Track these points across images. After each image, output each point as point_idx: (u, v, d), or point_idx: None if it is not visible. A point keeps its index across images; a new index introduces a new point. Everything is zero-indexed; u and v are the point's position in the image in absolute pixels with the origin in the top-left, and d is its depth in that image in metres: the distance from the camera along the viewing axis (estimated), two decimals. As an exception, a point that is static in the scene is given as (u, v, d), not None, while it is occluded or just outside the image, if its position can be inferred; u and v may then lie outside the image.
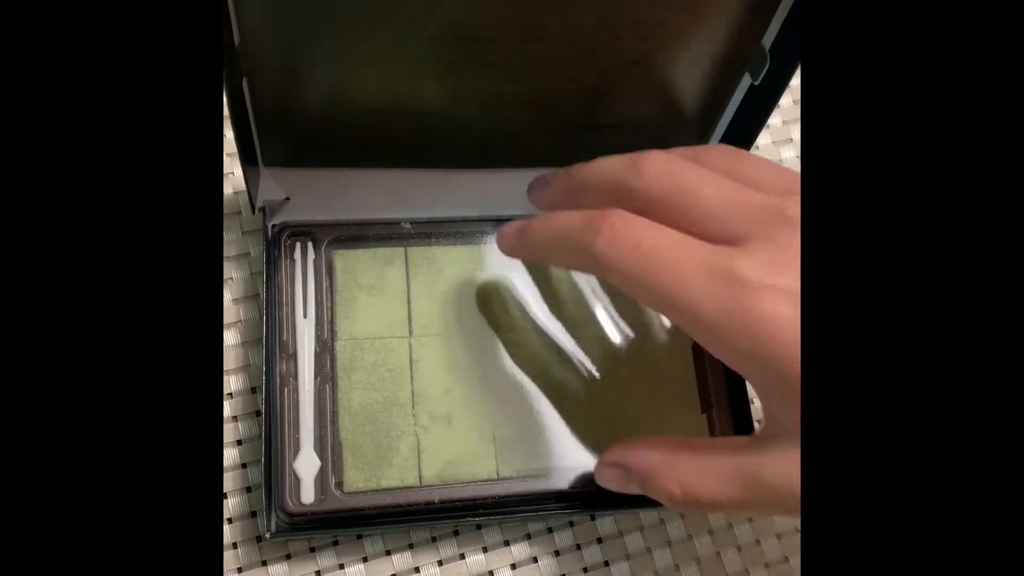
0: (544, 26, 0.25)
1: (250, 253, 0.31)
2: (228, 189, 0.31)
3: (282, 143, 0.29)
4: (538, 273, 0.30)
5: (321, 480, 0.26)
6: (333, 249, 0.29)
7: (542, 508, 0.27)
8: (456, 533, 0.28)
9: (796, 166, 0.36)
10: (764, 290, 0.21)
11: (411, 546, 0.28)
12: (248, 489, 0.28)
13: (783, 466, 0.22)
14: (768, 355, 0.21)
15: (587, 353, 0.29)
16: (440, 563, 0.28)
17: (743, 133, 0.30)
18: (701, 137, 0.31)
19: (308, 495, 0.26)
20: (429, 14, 0.24)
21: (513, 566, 0.28)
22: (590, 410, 0.28)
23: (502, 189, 0.30)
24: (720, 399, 0.29)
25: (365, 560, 0.28)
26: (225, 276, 0.30)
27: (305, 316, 0.28)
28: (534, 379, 0.28)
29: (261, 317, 0.29)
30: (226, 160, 0.32)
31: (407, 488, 0.26)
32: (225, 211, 0.31)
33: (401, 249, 0.29)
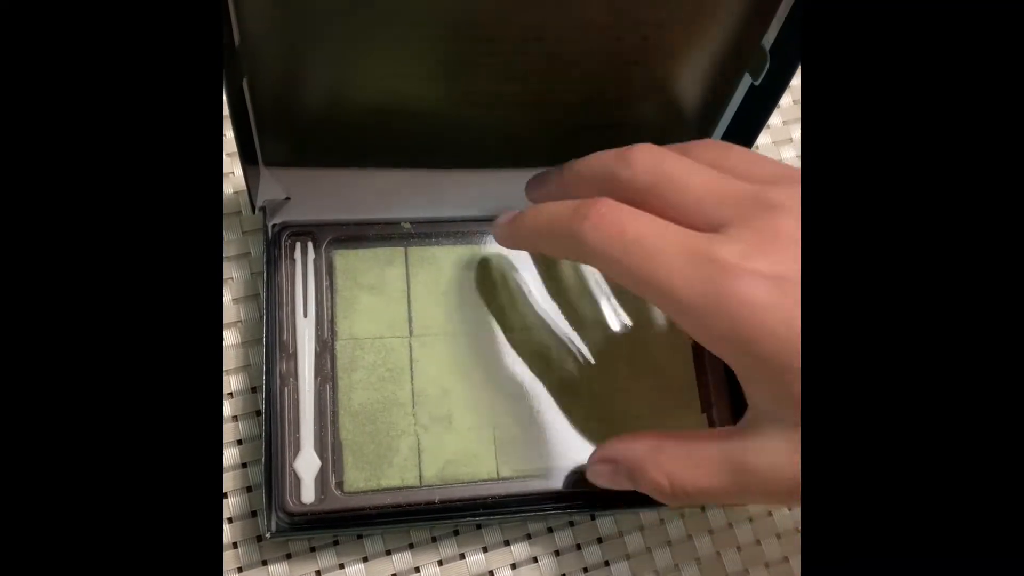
0: (544, 26, 0.25)
1: (250, 253, 0.31)
2: (228, 189, 0.31)
3: (282, 143, 0.29)
4: (538, 273, 0.30)
5: (321, 480, 0.26)
6: (333, 249, 0.29)
7: (542, 508, 0.27)
8: (456, 533, 0.28)
9: (796, 166, 0.36)
10: (743, 273, 0.21)
11: (411, 546, 0.28)
12: (248, 489, 0.28)
13: (768, 451, 0.22)
14: (746, 337, 0.21)
15: (587, 353, 0.29)
16: (440, 563, 0.28)
17: (743, 133, 0.30)
18: (701, 137, 0.31)
19: (308, 495, 0.26)
20: (429, 14, 0.24)
21: (513, 566, 0.28)
22: (590, 410, 0.28)
23: (502, 189, 0.30)
24: (720, 399, 0.29)
25: (365, 560, 0.28)
26: (225, 276, 0.30)
27: (305, 316, 0.28)
28: (534, 379, 0.28)
29: (261, 317, 0.29)
30: (226, 160, 0.32)
31: (407, 488, 0.26)
32: (225, 211, 0.31)
33: (401, 249, 0.29)
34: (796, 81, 0.31)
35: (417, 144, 0.29)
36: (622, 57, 0.27)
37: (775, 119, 0.36)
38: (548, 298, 0.30)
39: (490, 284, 0.29)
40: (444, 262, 0.29)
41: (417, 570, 0.28)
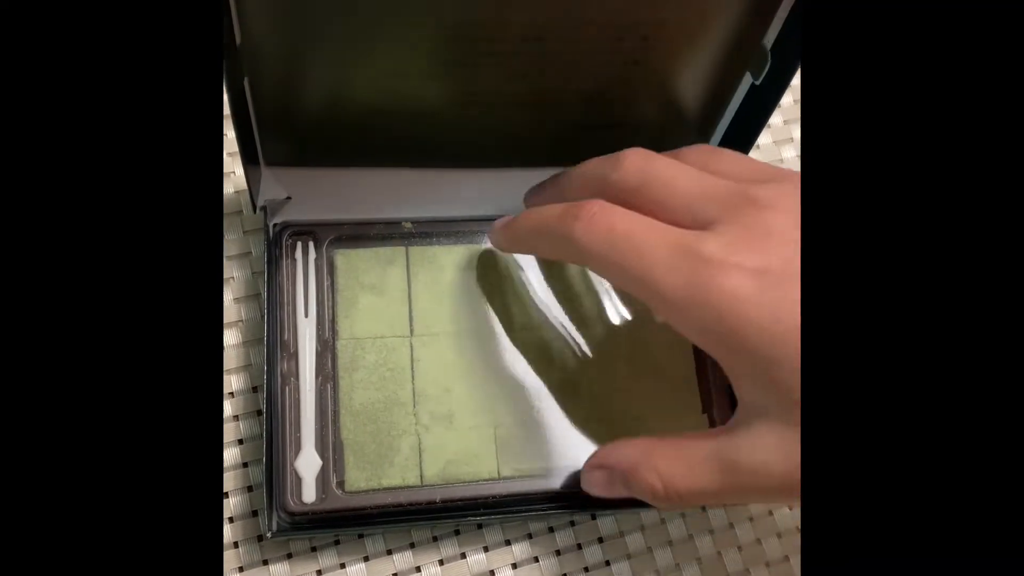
0: (544, 26, 0.25)
1: (251, 252, 0.31)
2: (229, 188, 0.31)
3: (283, 142, 0.29)
4: (539, 273, 0.30)
5: (322, 479, 0.26)
6: (334, 248, 0.29)
7: (543, 507, 0.27)
8: (457, 532, 0.28)
9: (796, 165, 0.36)
10: (727, 267, 0.22)
11: (412, 545, 0.28)
12: (249, 488, 0.28)
13: (758, 448, 0.22)
14: (729, 329, 0.22)
15: (588, 353, 0.29)
16: (441, 562, 0.28)
17: (744, 133, 0.30)
18: (701, 137, 0.31)
19: (309, 494, 0.26)
20: (429, 14, 0.24)
21: (514, 565, 0.28)
22: (591, 410, 0.28)
23: (502, 189, 0.30)
24: (720, 399, 0.29)
25: (366, 559, 0.28)
26: (226, 275, 0.30)
27: (306, 315, 0.28)
28: (535, 379, 0.28)
29: (262, 316, 0.29)
30: (227, 159, 0.32)
31: (408, 487, 0.26)
32: (226, 210, 0.31)
33: (402, 249, 0.29)
34: (796, 81, 0.31)
35: (418, 144, 0.29)
36: (622, 57, 0.27)
37: (776, 118, 0.36)
38: (549, 298, 0.30)
39: (491, 284, 0.29)
40: (445, 262, 0.29)
41: (418, 569, 0.28)
